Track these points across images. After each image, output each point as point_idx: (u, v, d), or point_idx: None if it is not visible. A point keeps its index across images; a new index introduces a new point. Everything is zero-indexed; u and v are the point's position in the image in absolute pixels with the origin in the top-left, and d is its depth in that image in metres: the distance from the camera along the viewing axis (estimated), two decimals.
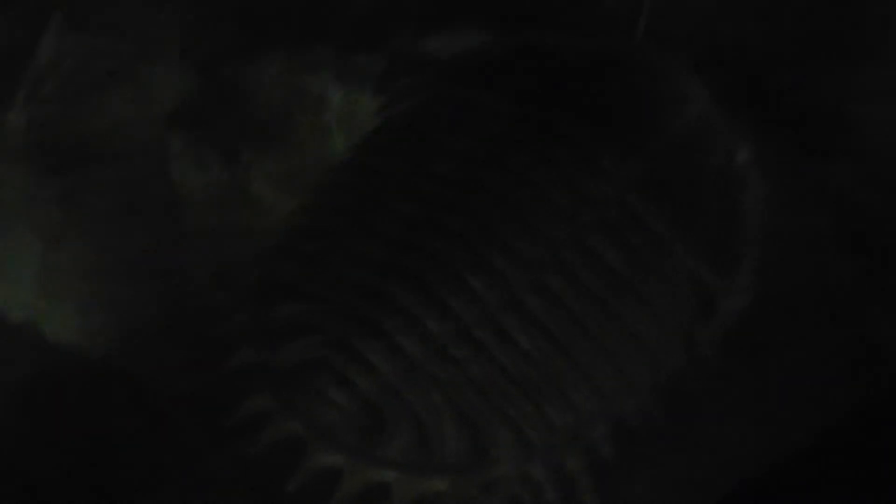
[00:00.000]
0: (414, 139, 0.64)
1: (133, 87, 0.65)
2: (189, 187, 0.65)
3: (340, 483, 0.60)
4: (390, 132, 0.66)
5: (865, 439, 0.60)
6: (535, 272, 0.58)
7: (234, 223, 0.66)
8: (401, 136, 0.65)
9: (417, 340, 0.58)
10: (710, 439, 0.61)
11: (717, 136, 0.64)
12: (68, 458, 0.62)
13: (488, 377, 0.58)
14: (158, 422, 0.65)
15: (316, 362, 0.59)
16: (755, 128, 0.62)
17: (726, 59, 0.62)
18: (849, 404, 0.58)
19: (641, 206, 0.60)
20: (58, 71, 0.63)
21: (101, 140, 0.65)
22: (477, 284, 0.58)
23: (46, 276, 0.63)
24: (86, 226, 0.64)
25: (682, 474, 0.60)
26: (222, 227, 0.66)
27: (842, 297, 0.62)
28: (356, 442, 0.59)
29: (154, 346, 0.64)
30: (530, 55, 0.66)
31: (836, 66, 0.63)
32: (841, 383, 0.60)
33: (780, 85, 0.63)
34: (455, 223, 0.59)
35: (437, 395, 0.58)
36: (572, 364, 0.59)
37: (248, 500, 0.64)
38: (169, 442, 0.65)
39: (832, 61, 0.62)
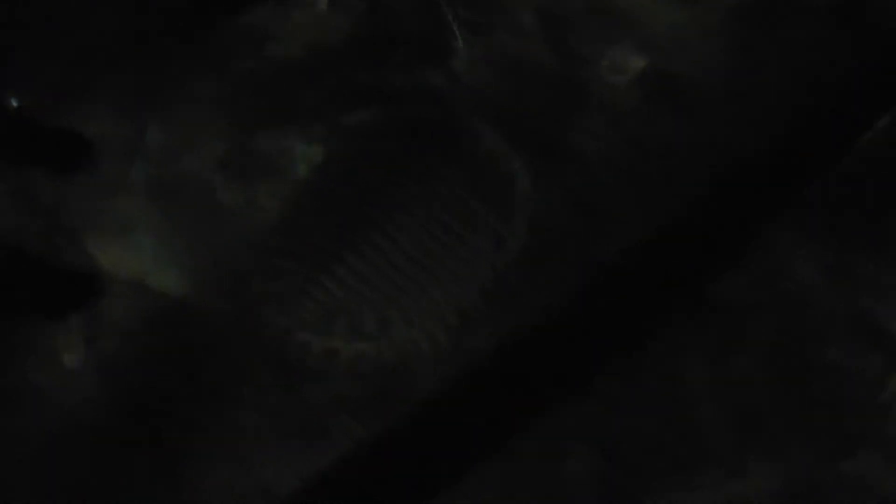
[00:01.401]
0: (343, 166, 1.08)
1: (198, 147, 1.10)
2: (229, 201, 1.08)
3: (311, 349, 1.01)
4: (331, 164, 1.09)
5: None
6: (411, 231, 1.02)
7: (255, 219, 1.07)
8: (337, 165, 1.09)
9: (350, 273, 1.01)
10: (514, 323, 1.03)
11: (500, 155, 1.07)
12: (167, 353, 1.05)
13: (388, 286, 1.01)
14: (218, 327, 1.05)
15: (299, 289, 1.02)
16: (522, 149, 1.06)
17: (507, 115, 1.08)
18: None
19: (465, 193, 1.04)
20: (154, 144, 1.12)
21: (179, 181, 1.10)
22: (379, 239, 1.01)
23: (155, 255, 1.07)
24: (176, 225, 1.07)
25: (494, 330, 1.02)
26: (249, 222, 1.07)
27: (569, 243, 1.05)
28: (320, 327, 1.01)
29: (214, 291, 1.06)
30: (403, 121, 1.10)
31: (566, 117, 1.09)
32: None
33: (536, 127, 1.08)
34: (367, 210, 1.03)
35: (360, 300, 1.01)
36: (433, 277, 1.02)
37: (263, 358, 1.02)
38: (224, 335, 1.05)
39: (562, 111, 1.09)
